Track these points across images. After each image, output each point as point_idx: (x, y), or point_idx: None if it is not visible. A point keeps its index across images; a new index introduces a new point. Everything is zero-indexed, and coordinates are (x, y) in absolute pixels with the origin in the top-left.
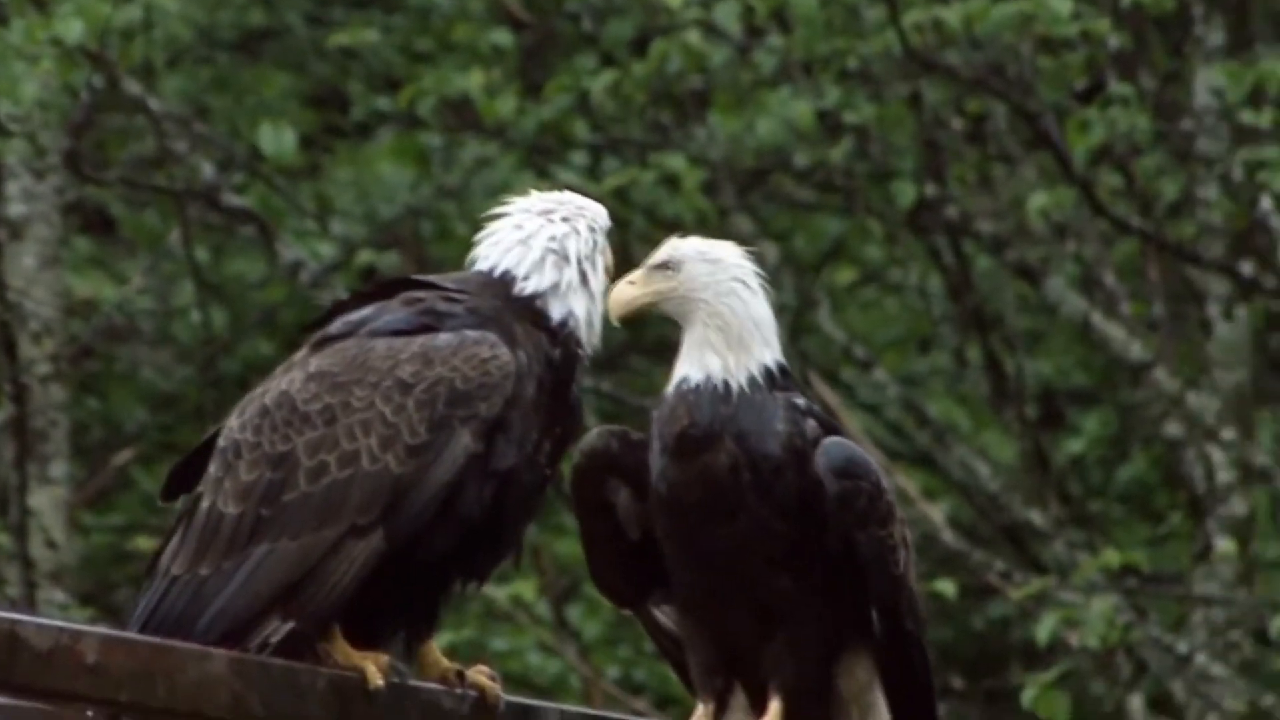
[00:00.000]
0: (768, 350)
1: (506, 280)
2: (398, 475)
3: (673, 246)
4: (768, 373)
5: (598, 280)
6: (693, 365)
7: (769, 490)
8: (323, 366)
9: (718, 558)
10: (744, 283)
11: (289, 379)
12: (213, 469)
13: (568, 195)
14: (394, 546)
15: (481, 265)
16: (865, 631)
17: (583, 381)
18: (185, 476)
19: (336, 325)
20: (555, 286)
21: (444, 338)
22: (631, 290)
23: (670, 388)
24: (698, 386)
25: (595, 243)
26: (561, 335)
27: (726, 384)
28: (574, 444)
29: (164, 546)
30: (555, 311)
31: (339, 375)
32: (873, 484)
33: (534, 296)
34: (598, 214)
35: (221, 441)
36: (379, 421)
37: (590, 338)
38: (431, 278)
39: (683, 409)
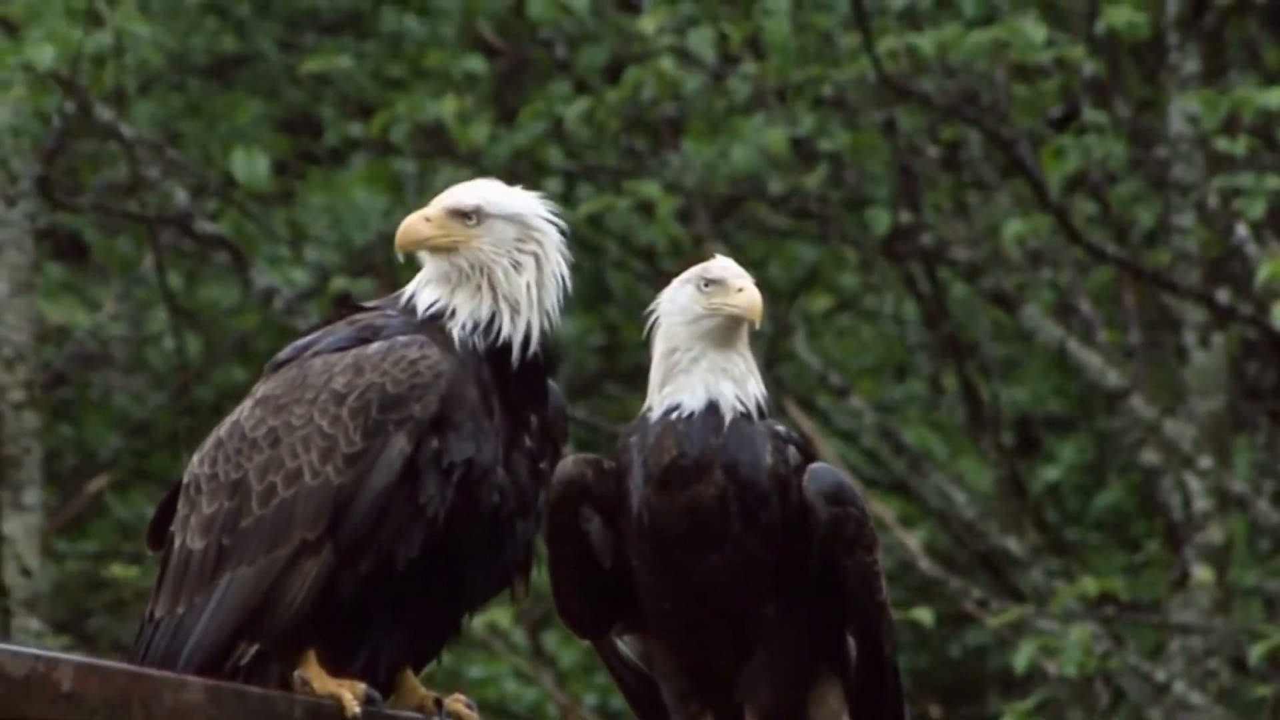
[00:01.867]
0: (756, 377)
1: (412, 305)
2: (338, 486)
3: (723, 266)
4: (759, 403)
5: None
6: (691, 393)
7: (755, 519)
8: (267, 391)
9: (700, 586)
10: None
11: (240, 408)
12: (180, 507)
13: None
14: (344, 557)
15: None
16: (839, 659)
17: (547, 373)
18: (167, 520)
19: (286, 352)
20: (437, 303)
21: (375, 346)
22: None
23: (655, 414)
24: (690, 416)
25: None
26: (472, 344)
27: (719, 415)
28: (562, 442)
29: (154, 593)
30: (453, 328)
31: (281, 397)
32: (860, 510)
33: (432, 315)
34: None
35: (185, 478)
36: (317, 435)
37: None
38: (371, 302)
39: (671, 439)
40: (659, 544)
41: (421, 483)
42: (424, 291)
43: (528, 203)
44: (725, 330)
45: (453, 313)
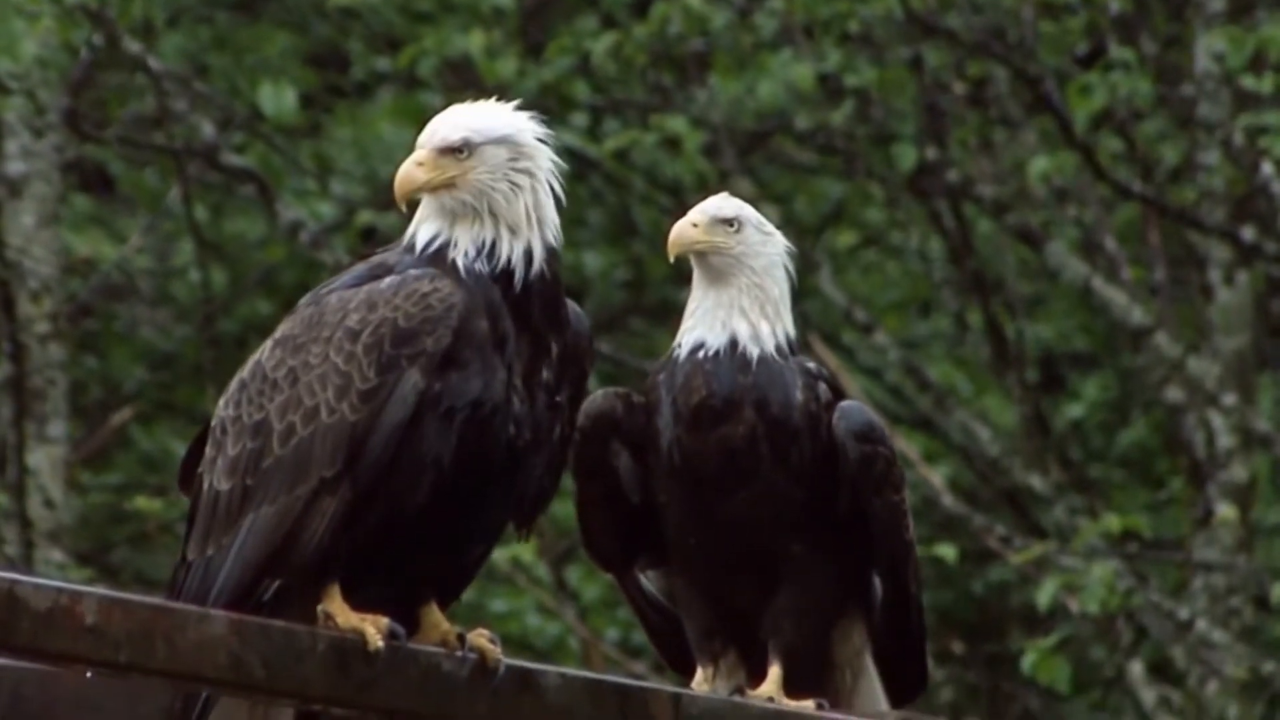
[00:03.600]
0: (787, 314)
1: (413, 243)
2: (353, 423)
3: (737, 207)
4: (789, 340)
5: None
6: (712, 330)
7: (785, 457)
8: (286, 331)
9: (729, 523)
10: (786, 261)
11: (261, 349)
12: (208, 449)
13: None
14: (361, 495)
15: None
16: (864, 597)
17: (561, 300)
18: (196, 462)
19: (307, 297)
20: (437, 236)
21: (388, 281)
22: (692, 233)
23: (682, 353)
24: (717, 354)
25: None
26: (476, 271)
27: (746, 352)
28: (589, 364)
29: (185, 536)
30: (458, 258)
31: (299, 336)
32: (889, 449)
33: (434, 249)
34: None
35: (213, 421)
36: (333, 373)
37: (516, 251)
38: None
39: (700, 379)
40: (689, 482)
41: (425, 430)
42: (422, 228)
43: (514, 121)
44: (706, 269)
45: (454, 243)
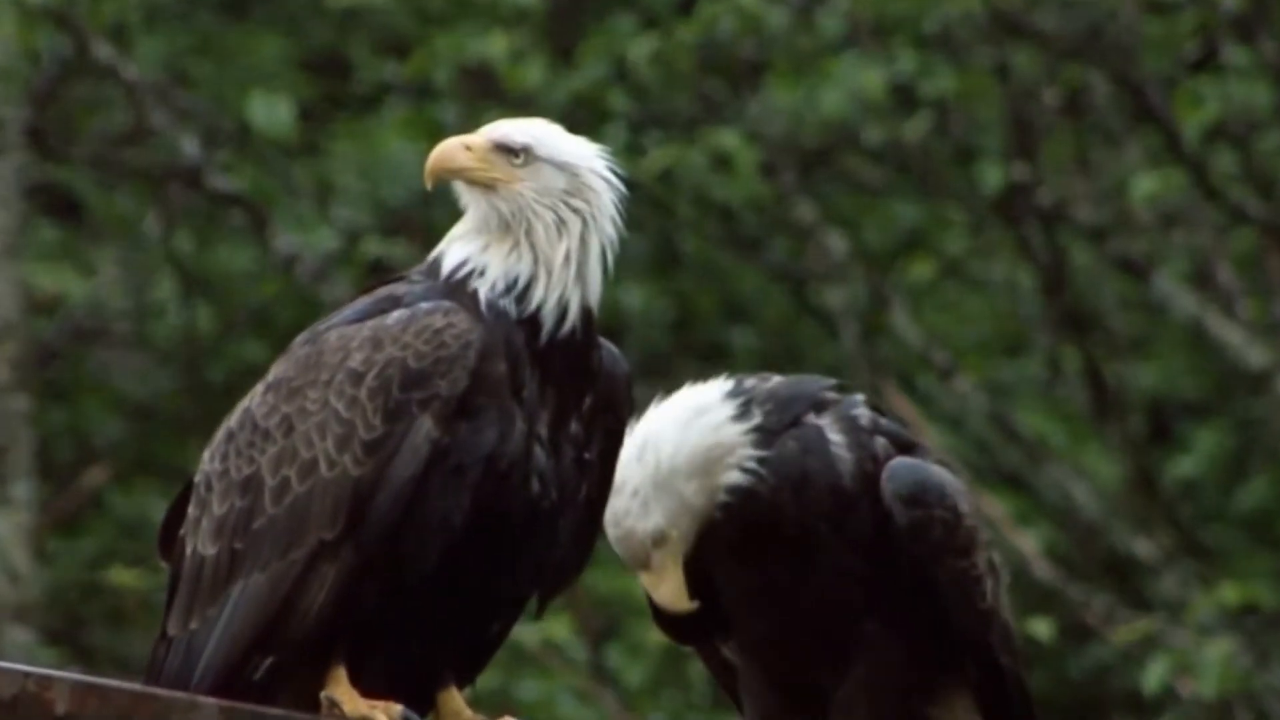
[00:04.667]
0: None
1: (437, 265)
2: (357, 478)
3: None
4: (757, 420)
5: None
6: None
7: (844, 528)
8: (279, 374)
9: (792, 607)
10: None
11: (251, 394)
12: (191, 510)
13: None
14: (366, 560)
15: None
16: (961, 667)
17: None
18: (178, 525)
19: (303, 335)
20: (466, 261)
21: (395, 315)
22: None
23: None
24: (729, 506)
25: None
26: (502, 309)
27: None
28: (626, 413)
29: (166, 609)
30: (481, 289)
31: (294, 380)
32: (948, 509)
33: (459, 276)
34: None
35: (196, 477)
36: (334, 421)
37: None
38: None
39: (727, 528)
40: (748, 579)
41: (432, 487)
42: (453, 248)
43: (584, 153)
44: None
45: (483, 271)
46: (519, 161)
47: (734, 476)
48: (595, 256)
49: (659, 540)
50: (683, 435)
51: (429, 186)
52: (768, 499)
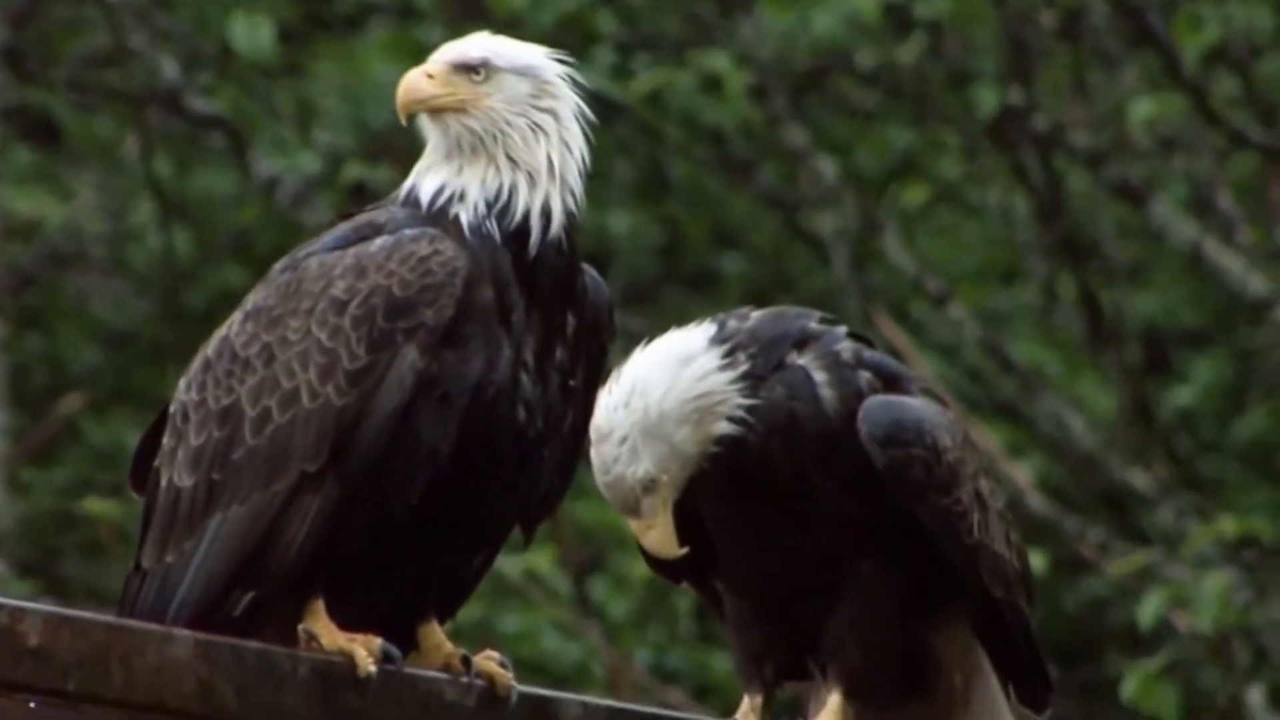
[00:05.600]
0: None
1: (414, 196)
2: (340, 408)
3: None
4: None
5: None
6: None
7: (832, 469)
8: (258, 302)
9: (784, 550)
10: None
11: (229, 323)
12: (166, 440)
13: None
14: (350, 492)
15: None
16: (958, 597)
17: (577, 272)
18: (151, 456)
19: (282, 262)
20: (444, 187)
21: (379, 242)
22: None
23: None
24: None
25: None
26: (485, 229)
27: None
28: (609, 339)
29: (140, 541)
30: (462, 214)
31: (275, 308)
32: (927, 447)
33: (439, 204)
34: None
35: (171, 407)
36: (316, 350)
37: (534, 206)
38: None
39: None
40: (739, 520)
41: (419, 418)
42: (427, 177)
43: (540, 56)
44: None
45: (461, 194)
46: (480, 78)
47: (723, 427)
48: (573, 157)
49: (649, 486)
50: (670, 383)
51: (404, 122)
52: (758, 447)
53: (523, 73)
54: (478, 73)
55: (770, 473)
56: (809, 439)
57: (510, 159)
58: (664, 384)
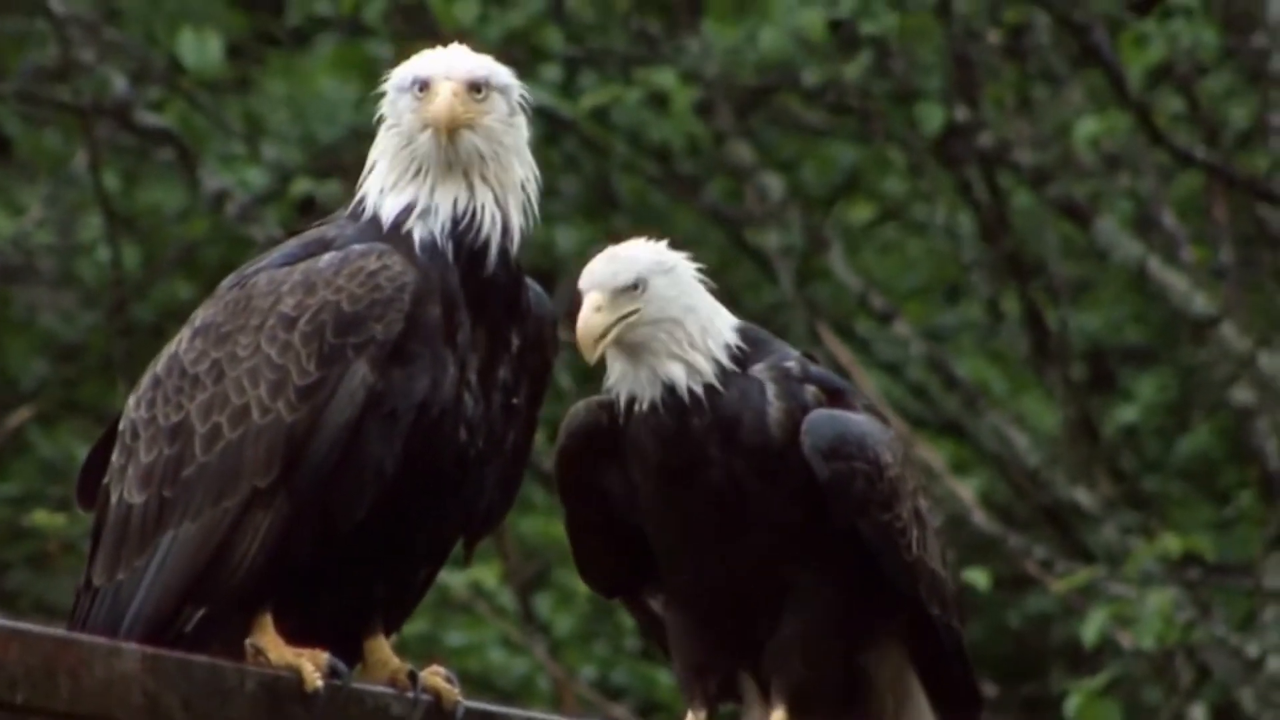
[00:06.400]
0: (719, 322)
1: (361, 209)
2: (291, 424)
3: (632, 260)
4: (731, 351)
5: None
6: (640, 383)
7: (775, 481)
8: (207, 319)
9: (725, 559)
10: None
11: (177, 339)
12: (115, 457)
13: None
14: (301, 508)
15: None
16: (895, 615)
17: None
18: (99, 473)
19: (230, 278)
20: (411, 205)
21: (327, 258)
22: (600, 319)
23: (620, 408)
24: (656, 407)
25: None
26: (439, 250)
27: (689, 391)
28: (552, 354)
29: (90, 558)
30: (418, 230)
31: (224, 325)
32: (869, 461)
33: (399, 220)
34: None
35: (121, 424)
36: (266, 366)
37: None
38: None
39: (648, 440)
40: (677, 528)
41: (366, 434)
42: (392, 193)
43: (508, 73)
44: (642, 335)
45: (432, 211)
46: (480, 96)
47: (677, 369)
48: (533, 175)
49: (636, 286)
50: (694, 293)
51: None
52: (698, 450)
53: (504, 90)
54: (480, 91)
55: (703, 468)
56: (745, 448)
57: (485, 178)
58: (691, 290)
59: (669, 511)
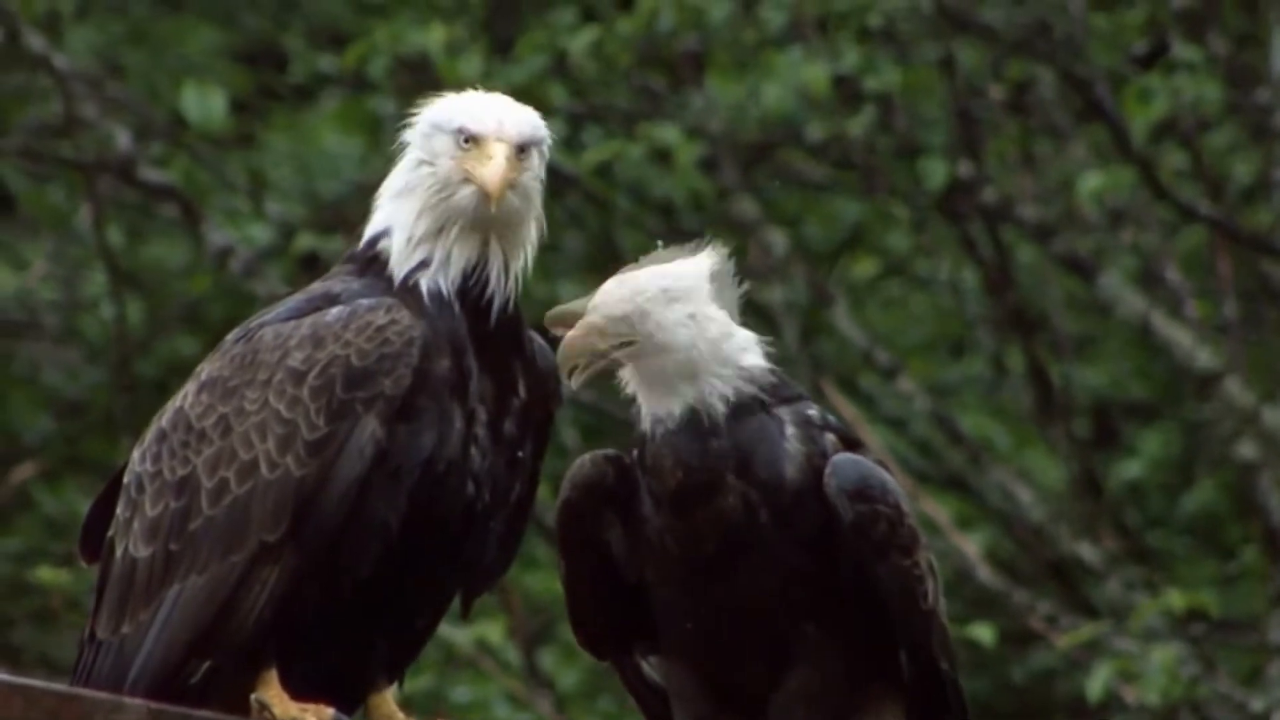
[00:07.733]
0: (740, 349)
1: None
2: (300, 478)
3: (632, 293)
4: (755, 380)
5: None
6: (660, 403)
7: (789, 522)
8: (213, 372)
9: (732, 605)
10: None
11: (183, 393)
12: (120, 510)
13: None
14: (309, 562)
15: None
16: (894, 674)
17: (525, 334)
18: (103, 526)
19: (235, 332)
20: (427, 260)
21: (334, 312)
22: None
23: (645, 430)
24: (678, 428)
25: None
26: (447, 302)
27: (710, 414)
28: (555, 406)
29: (93, 611)
30: (426, 282)
31: (230, 379)
32: (892, 507)
33: (412, 273)
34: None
35: (126, 478)
36: (274, 421)
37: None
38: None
39: (669, 457)
40: (686, 566)
41: (372, 489)
42: (411, 247)
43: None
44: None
45: (445, 264)
46: (524, 155)
47: (699, 392)
48: (538, 233)
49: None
50: (718, 314)
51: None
52: (715, 475)
53: (538, 144)
54: (524, 150)
55: (722, 500)
56: (759, 483)
57: (503, 235)
58: (714, 310)
59: (679, 545)
